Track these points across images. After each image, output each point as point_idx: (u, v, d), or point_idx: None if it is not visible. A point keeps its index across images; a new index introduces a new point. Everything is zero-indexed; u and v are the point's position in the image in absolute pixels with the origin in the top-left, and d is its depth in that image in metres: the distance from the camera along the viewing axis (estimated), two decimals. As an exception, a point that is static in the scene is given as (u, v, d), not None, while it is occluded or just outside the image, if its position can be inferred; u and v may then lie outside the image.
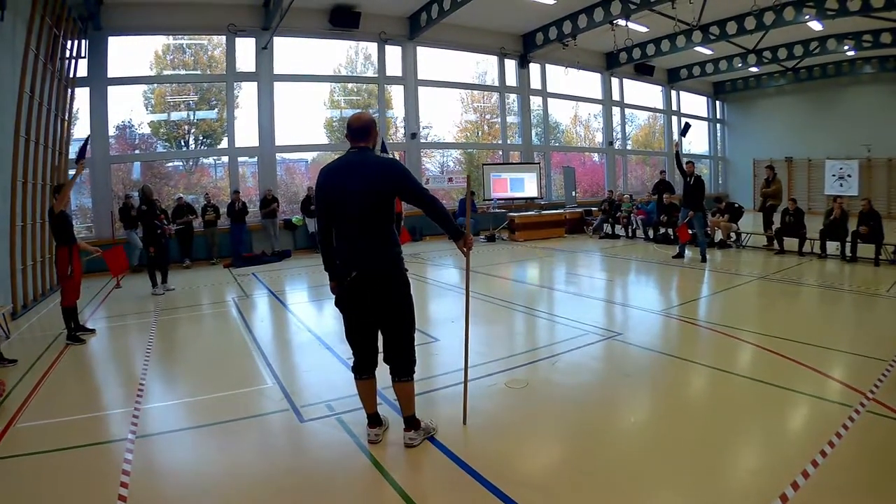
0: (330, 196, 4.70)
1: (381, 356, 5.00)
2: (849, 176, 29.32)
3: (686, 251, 15.95)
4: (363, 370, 4.97)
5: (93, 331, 9.68)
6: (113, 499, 4.23)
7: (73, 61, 16.09)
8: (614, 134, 30.73)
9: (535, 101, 27.45)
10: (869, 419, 5.19)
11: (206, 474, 4.70)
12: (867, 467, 4.44)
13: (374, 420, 5.10)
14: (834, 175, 29.79)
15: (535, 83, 27.11)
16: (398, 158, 5.85)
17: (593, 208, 24.47)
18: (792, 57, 27.12)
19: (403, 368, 4.89)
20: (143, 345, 8.76)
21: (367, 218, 4.63)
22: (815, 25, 22.54)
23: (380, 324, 4.86)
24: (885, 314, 9.69)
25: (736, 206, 18.58)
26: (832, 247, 15.30)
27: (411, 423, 4.99)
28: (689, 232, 15.91)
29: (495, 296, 11.52)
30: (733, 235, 18.17)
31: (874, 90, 29.53)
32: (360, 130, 4.78)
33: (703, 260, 15.17)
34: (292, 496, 4.32)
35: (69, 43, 15.56)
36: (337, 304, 4.91)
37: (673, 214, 18.89)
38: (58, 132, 14.84)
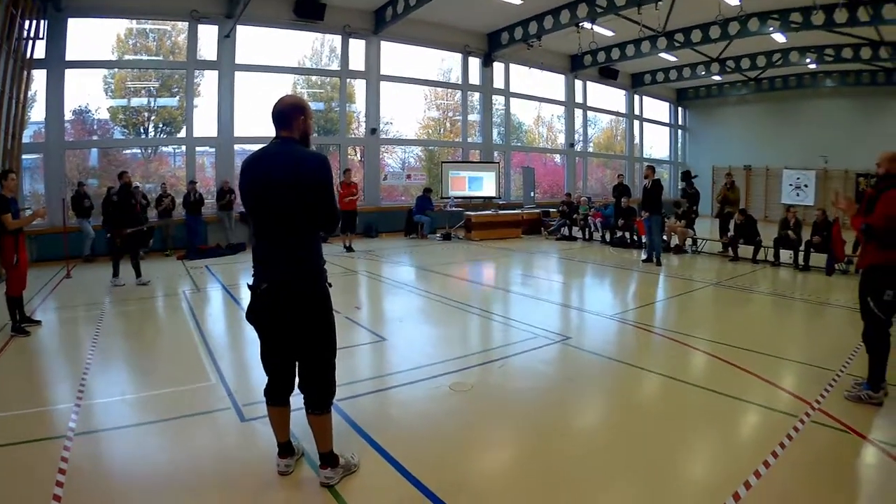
0: (247, 192, 4.22)
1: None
2: (805, 186, 29.87)
3: (659, 257, 15.68)
4: (276, 396, 4.43)
5: (38, 322, 9.40)
6: (47, 498, 4.12)
7: (31, 42, 15.62)
8: (576, 136, 30.87)
9: (498, 101, 27.46)
10: (813, 429, 5.22)
11: (142, 474, 4.58)
12: (809, 477, 4.46)
13: (286, 449, 4.57)
14: (791, 185, 30.42)
15: (499, 82, 27.08)
16: (327, 157, 5.01)
17: (551, 210, 24.51)
18: (755, 67, 27.53)
19: (318, 400, 4.33)
20: (89, 338, 8.55)
21: (283, 221, 4.11)
22: (779, 37, 22.84)
23: (294, 346, 4.28)
24: (834, 324, 9.77)
25: (693, 208, 18.70)
26: (785, 255, 15.44)
27: (328, 459, 4.43)
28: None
29: (448, 296, 11.44)
30: (689, 241, 18.28)
31: (834, 103, 30.03)
32: (283, 116, 4.23)
33: (658, 264, 15.22)
34: (226, 495, 4.24)
35: (27, 23, 15.12)
36: (248, 317, 4.34)
37: (631, 219, 19.00)
38: (11, 114, 14.45)
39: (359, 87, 23.34)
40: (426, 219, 21.83)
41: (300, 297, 4.16)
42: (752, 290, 12.36)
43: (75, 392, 6.23)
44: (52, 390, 6.64)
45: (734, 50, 26.26)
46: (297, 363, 4.36)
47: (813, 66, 27.46)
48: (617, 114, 33.87)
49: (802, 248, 14.95)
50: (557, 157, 31.40)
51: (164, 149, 20.78)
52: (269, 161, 4.14)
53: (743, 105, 34.04)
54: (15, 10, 13.78)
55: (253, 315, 4.30)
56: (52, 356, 8.14)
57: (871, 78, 27.72)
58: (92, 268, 15.14)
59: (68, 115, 17.95)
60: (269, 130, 4.22)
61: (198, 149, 20.11)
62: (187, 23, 19.11)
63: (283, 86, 21.76)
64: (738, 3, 18.13)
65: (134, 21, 18.98)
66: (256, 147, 4.35)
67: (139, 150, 20.36)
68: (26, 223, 9.15)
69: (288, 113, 4.24)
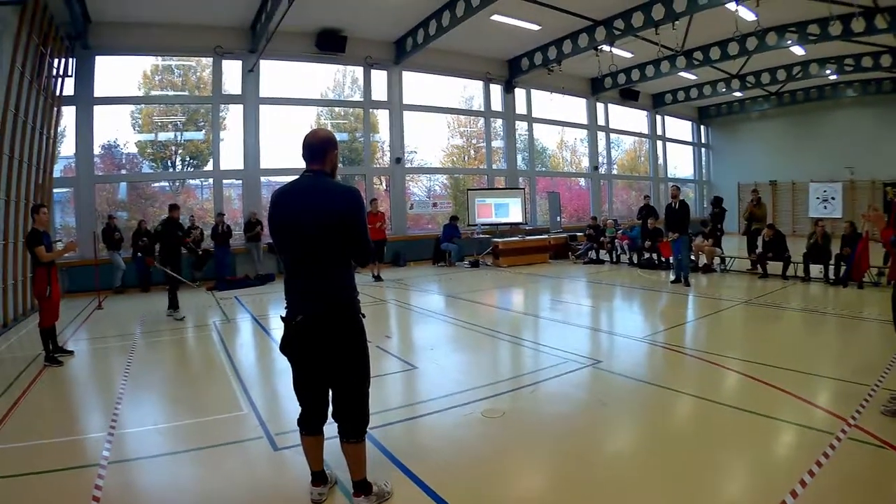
0: (279, 226, 4.24)
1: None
2: (832, 198, 29.56)
3: (688, 277, 15.54)
4: (309, 426, 4.46)
5: (71, 352, 9.55)
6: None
7: (60, 80, 16.03)
8: (599, 159, 30.81)
9: (521, 126, 27.49)
10: (850, 447, 5.13)
11: (175, 503, 4.61)
12: (847, 496, 4.39)
13: (319, 478, 4.56)
14: (818, 198, 30.14)
15: (521, 108, 27.13)
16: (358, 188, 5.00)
17: (578, 234, 24.39)
18: (775, 81, 27.45)
19: (353, 428, 4.36)
20: (121, 368, 8.64)
21: (316, 254, 4.14)
22: (798, 50, 22.84)
23: (328, 376, 4.33)
24: (868, 338, 9.63)
25: (718, 227, 18.60)
26: (816, 270, 15.31)
27: (362, 487, 4.43)
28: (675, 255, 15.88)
29: (477, 323, 11.42)
30: (717, 259, 18.16)
31: (856, 113, 29.79)
32: (315, 150, 4.26)
33: (687, 284, 15.12)
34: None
35: (56, 61, 15.52)
36: (282, 349, 4.37)
37: (658, 240, 18.88)
38: (42, 150, 14.77)
39: (382, 116, 23.49)
40: (454, 246, 21.74)
41: (336, 329, 4.19)
42: (782, 306, 12.24)
43: (108, 421, 6.31)
44: (85, 419, 6.74)
45: (754, 65, 26.20)
46: (330, 393, 4.38)
47: (833, 77, 27.35)
48: (639, 135, 33.80)
49: (833, 261, 14.82)
50: (582, 181, 31.35)
51: (192, 182, 21.09)
52: (302, 194, 4.17)
53: (765, 120, 33.84)
54: (44, 50, 14.12)
55: (287, 347, 4.32)
56: (84, 386, 8.28)
57: (892, 86, 27.54)
58: (123, 299, 15.41)
59: (97, 150, 18.42)
60: (296, 162, 4.29)
61: (224, 181, 20.30)
62: (212, 58, 19.48)
63: (307, 118, 22.06)
64: (755, 18, 18.06)
65: (160, 58, 19.40)
66: (282, 179, 4.44)
67: (167, 184, 20.65)
68: (58, 256, 9.35)
69: (322, 147, 4.28)
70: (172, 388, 7.87)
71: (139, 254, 13.35)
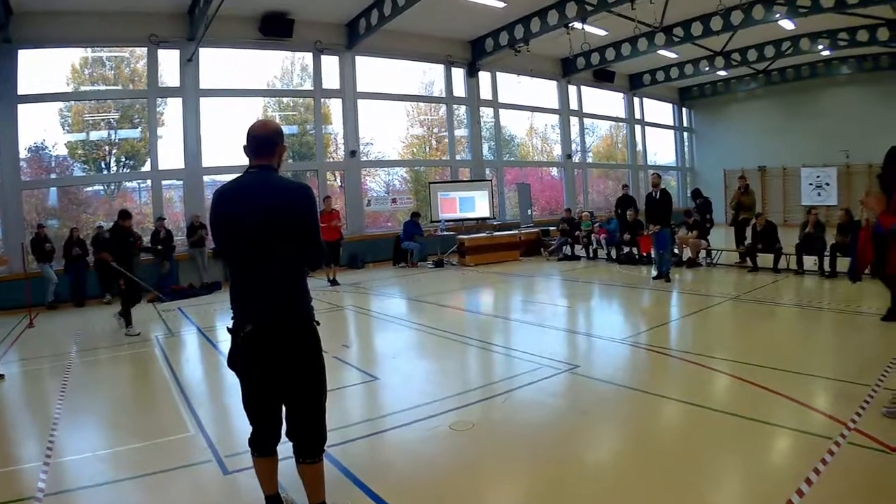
0: (223, 228, 4.15)
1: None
2: (827, 184, 29.87)
3: (668, 273, 15.64)
4: (262, 446, 4.36)
5: (2, 376, 9.40)
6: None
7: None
8: (573, 146, 30.96)
9: (487, 113, 27.59)
10: (850, 451, 5.18)
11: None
12: (848, 504, 4.42)
13: (274, 502, 4.45)
14: (811, 184, 30.47)
15: (486, 93, 27.17)
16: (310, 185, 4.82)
17: (551, 228, 24.57)
18: (763, 59, 27.66)
19: (310, 447, 4.25)
20: (56, 390, 8.54)
21: (265, 257, 4.05)
22: (787, 24, 23.01)
23: (281, 391, 4.22)
24: (866, 334, 9.72)
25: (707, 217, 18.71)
26: (809, 261, 15.45)
27: None
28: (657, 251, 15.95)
29: (443, 327, 11.39)
30: (703, 252, 18.30)
31: (851, 92, 30.13)
32: (264, 143, 4.18)
33: (668, 280, 15.23)
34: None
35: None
36: (230, 364, 4.26)
37: (637, 233, 18.97)
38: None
39: (334, 106, 23.45)
40: (415, 245, 21.77)
41: (288, 340, 4.10)
42: (774, 302, 12.41)
43: (43, 449, 6.22)
44: (18, 448, 6.60)
45: (739, 41, 26.33)
46: (284, 409, 4.31)
47: (826, 53, 27.64)
48: (616, 119, 34.04)
49: (828, 252, 14.92)
50: (554, 171, 31.57)
51: (128, 184, 20.90)
52: (248, 193, 4.08)
53: (752, 101, 34.21)
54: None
55: (236, 361, 4.22)
56: (16, 412, 8.15)
57: (890, 61, 27.84)
58: (56, 315, 15.25)
59: (23, 153, 18.02)
60: (242, 159, 4.18)
61: (164, 182, 20.11)
62: (146, 48, 19.18)
63: (253, 110, 21.83)
64: (740, -10, 18.22)
65: (89, 49, 19.09)
66: (227, 178, 4.31)
67: (101, 187, 20.40)
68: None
69: (272, 140, 4.20)
70: (112, 410, 7.78)
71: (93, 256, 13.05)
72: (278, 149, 4.24)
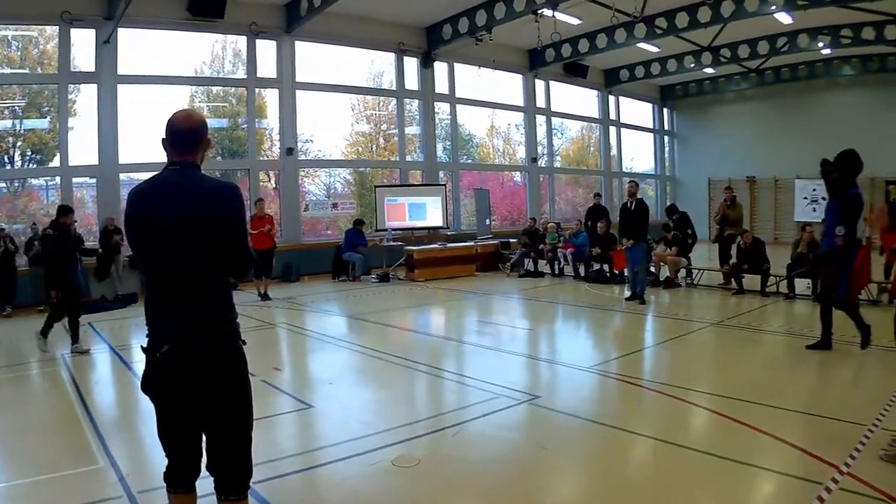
0: (138, 234, 4.00)
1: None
2: (823, 199, 29.77)
3: (642, 294, 15.58)
4: (179, 482, 4.21)
5: None
6: None
7: None
8: (539, 148, 31.13)
9: (443, 109, 27.70)
10: (843, 499, 5.18)
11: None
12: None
13: None
14: (806, 198, 30.71)
15: (442, 86, 27.27)
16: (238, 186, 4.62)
17: (512, 240, 24.58)
18: (755, 56, 27.91)
19: (234, 483, 4.15)
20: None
21: (184, 267, 3.91)
22: (784, 18, 23.08)
23: (201, 420, 4.08)
24: (864, 367, 9.83)
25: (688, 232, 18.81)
26: (801, 285, 15.60)
27: None
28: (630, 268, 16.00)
29: (388, 350, 11.37)
30: (682, 272, 18.41)
31: (854, 95, 30.48)
32: (188, 138, 4.04)
33: (643, 302, 15.27)
34: None
35: None
36: (144, 388, 4.10)
37: (610, 247, 19.04)
38: None
39: (270, 98, 23.34)
40: (358, 257, 21.65)
41: (210, 360, 3.98)
42: (761, 329, 12.51)
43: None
44: None
45: (729, 35, 26.36)
46: (204, 440, 4.19)
47: (827, 52, 27.86)
48: (588, 119, 34.28)
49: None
50: (517, 176, 31.75)
51: (34, 181, 20.56)
52: (167, 193, 3.92)
53: (742, 103, 34.57)
54: None
55: (150, 385, 4.07)
56: None
57: (898, 62, 28.08)
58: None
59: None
60: (163, 156, 4.09)
61: (75, 180, 19.81)
62: (58, 27, 18.78)
63: (178, 100, 21.47)
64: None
65: (-9, 27, 18.75)
66: (147, 176, 4.20)
67: (4, 184, 20.02)
68: None
69: (197, 133, 4.10)
70: (10, 439, 7.63)
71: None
72: (202, 144, 4.13)
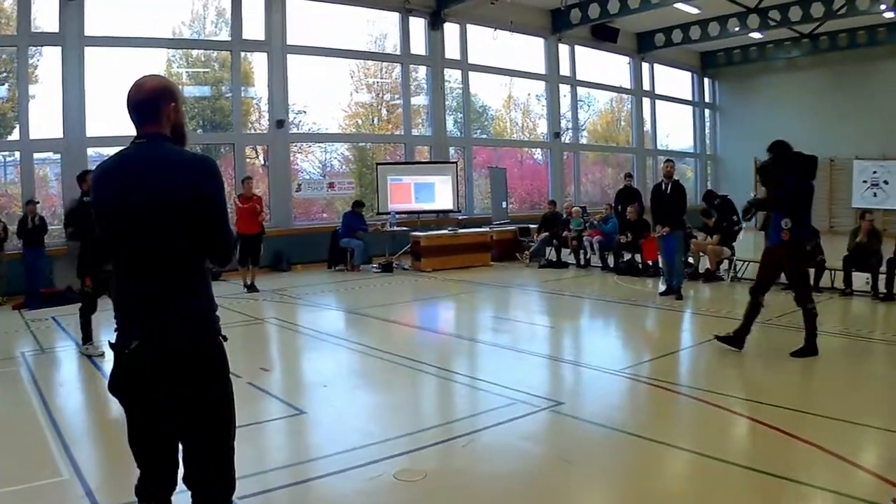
0: (104, 214, 3.90)
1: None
2: (885, 182, 29.85)
3: (679, 288, 15.53)
4: (153, 496, 4.07)
5: None
6: None
7: None
8: (563, 122, 31.05)
9: (453, 76, 27.60)
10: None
11: None
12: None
13: None
14: (865, 181, 30.44)
15: (453, 51, 27.15)
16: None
17: (531, 225, 24.47)
18: (808, 19, 27.48)
19: (214, 497, 4.04)
20: None
21: (155, 252, 3.76)
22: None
23: (177, 426, 3.93)
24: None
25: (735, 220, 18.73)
26: (860, 279, 15.54)
27: None
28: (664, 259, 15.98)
29: (391, 349, 11.36)
30: (725, 263, 18.35)
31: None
32: (142, 107, 3.85)
33: (679, 297, 15.22)
34: None
35: None
36: (111, 389, 3.95)
37: (642, 235, 18.93)
38: None
39: (258, 63, 23.26)
40: (357, 243, 21.64)
41: (184, 358, 3.87)
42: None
43: None
44: None
45: (780, -5, 26.25)
46: (180, 449, 4.12)
47: (890, 15, 27.51)
48: (619, 90, 34.16)
49: (884, 268, 14.87)
50: (538, 153, 31.70)
51: (-10, 157, 20.51)
52: (132, 170, 3.82)
53: (794, 72, 34.30)
54: None
55: (119, 385, 3.99)
56: None
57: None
58: None
59: None
60: (133, 128, 4.07)
61: (37, 156, 19.78)
62: (16, -17, 18.78)
63: (154, 65, 21.32)
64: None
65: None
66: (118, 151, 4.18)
67: (-43, 161, 20.02)
68: None
69: (151, 100, 3.85)
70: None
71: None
72: (164, 111, 3.93)
